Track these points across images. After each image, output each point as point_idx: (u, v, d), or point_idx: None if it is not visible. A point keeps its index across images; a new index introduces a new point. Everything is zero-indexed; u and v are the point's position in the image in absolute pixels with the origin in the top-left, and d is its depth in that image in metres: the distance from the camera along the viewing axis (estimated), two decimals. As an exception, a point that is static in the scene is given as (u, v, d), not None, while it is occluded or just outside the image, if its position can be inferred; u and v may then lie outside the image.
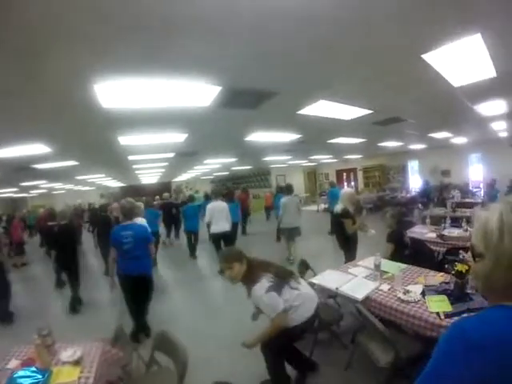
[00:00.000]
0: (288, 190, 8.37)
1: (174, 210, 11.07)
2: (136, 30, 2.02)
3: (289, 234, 8.16)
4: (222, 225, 7.51)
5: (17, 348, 2.82)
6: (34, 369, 2.38)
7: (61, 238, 5.94)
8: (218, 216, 7.49)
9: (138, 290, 4.57)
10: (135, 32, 2.05)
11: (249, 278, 2.97)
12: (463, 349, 0.92)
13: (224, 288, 6.67)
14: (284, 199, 8.06)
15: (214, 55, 2.56)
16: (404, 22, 2.30)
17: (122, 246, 4.43)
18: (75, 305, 6.03)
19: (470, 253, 1.05)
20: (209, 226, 7.82)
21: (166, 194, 12.25)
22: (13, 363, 2.55)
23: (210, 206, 7.64)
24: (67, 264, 6.10)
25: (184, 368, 2.53)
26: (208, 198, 9.69)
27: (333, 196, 9.82)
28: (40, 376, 2.29)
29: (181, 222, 11.01)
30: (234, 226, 9.23)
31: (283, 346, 3.17)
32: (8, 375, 2.34)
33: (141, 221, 5.89)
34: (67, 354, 2.60)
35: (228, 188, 11.78)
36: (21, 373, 2.32)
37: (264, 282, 2.86)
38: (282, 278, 3.01)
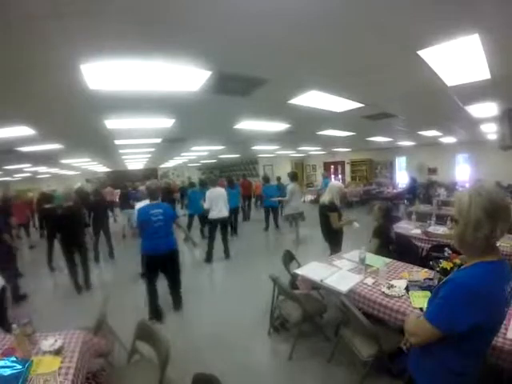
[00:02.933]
0: (293, 177, 9.15)
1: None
2: (125, 9, 1.94)
3: (293, 219, 9.04)
4: (221, 211, 7.59)
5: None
6: (14, 359, 2.32)
7: (66, 221, 5.88)
8: (218, 202, 7.56)
9: (167, 265, 4.90)
10: (124, 12, 1.97)
11: None
12: (464, 299, 1.44)
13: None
14: (291, 186, 8.89)
15: (204, 38, 2.48)
16: (402, 15, 2.25)
17: (152, 225, 4.63)
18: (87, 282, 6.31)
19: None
20: (207, 211, 7.92)
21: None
22: (-8, 353, 2.50)
23: (209, 192, 7.68)
24: (73, 246, 6.12)
25: (166, 358, 2.50)
26: (203, 185, 9.78)
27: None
28: (20, 366, 2.23)
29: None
30: (235, 210, 10.39)
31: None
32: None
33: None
34: (48, 343, 2.55)
35: (229, 176, 11.94)
36: (0, 363, 2.26)
37: None
38: None
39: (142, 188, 10.73)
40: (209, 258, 7.77)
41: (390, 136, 11.29)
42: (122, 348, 3.34)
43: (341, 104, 5.01)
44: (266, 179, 11.39)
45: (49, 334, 2.71)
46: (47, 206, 7.31)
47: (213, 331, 4.40)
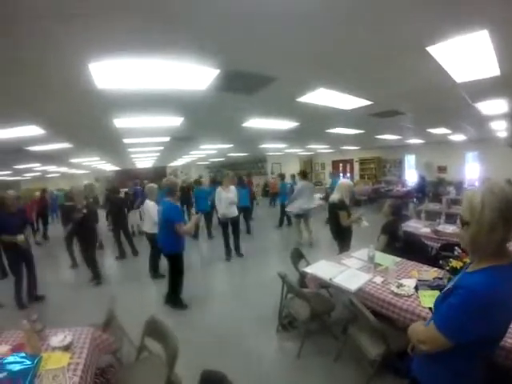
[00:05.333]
0: (303, 176, 9.00)
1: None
2: (133, 9, 1.95)
3: (299, 217, 8.91)
4: (231, 209, 7.57)
5: (6, 333, 2.78)
6: (23, 354, 2.34)
7: (85, 220, 6.05)
8: (227, 200, 7.53)
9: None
10: (132, 11, 1.98)
11: None
12: (478, 309, 1.35)
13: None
14: (300, 184, 8.83)
15: (212, 37, 2.49)
16: (411, 11, 2.23)
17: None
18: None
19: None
20: (216, 210, 8.03)
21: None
22: (2, 348, 2.51)
23: (220, 189, 7.69)
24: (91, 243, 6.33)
25: (174, 355, 2.51)
26: (215, 183, 9.82)
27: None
28: (29, 362, 2.25)
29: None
30: (246, 209, 10.41)
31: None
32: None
33: (153, 205, 5.97)
34: (57, 339, 2.57)
35: (239, 174, 12.00)
36: (10, 358, 2.28)
37: None
38: None
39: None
40: (228, 256, 7.82)
41: (398, 134, 11.21)
42: (130, 345, 3.36)
43: (349, 101, 4.99)
44: (283, 177, 11.39)
45: (58, 330, 2.73)
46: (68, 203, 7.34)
47: (220, 328, 4.42)
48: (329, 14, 2.18)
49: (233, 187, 7.75)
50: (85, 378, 2.25)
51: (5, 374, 2.13)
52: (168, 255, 4.95)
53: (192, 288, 5.53)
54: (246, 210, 10.22)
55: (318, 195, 11.96)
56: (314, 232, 9.04)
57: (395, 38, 2.70)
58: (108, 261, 8.27)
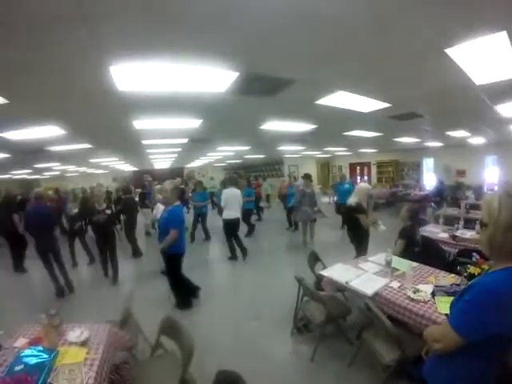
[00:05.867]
0: (306, 179, 8.97)
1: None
2: (152, 11, 1.97)
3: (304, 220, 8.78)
4: (234, 212, 7.67)
5: (25, 326, 2.84)
6: (40, 348, 2.39)
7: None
8: (232, 203, 7.64)
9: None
10: (152, 14, 2.01)
11: None
12: (491, 305, 1.41)
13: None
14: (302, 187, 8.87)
15: (232, 39, 2.51)
16: (429, 13, 2.21)
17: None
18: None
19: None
20: (221, 211, 8.09)
21: (178, 179, 12.41)
22: (20, 341, 2.58)
23: (226, 192, 7.86)
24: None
25: (190, 354, 2.53)
26: (225, 185, 9.86)
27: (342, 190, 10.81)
28: (46, 356, 2.30)
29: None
30: (249, 212, 10.53)
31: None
32: (14, 353, 2.36)
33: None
34: (74, 334, 2.63)
35: (241, 176, 12.04)
36: (27, 352, 2.34)
37: None
38: None
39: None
40: (233, 257, 7.90)
41: (417, 136, 11.07)
42: (145, 342, 3.40)
43: (368, 104, 4.96)
44: (294, 179, 11.41)
45: (75, 325, 2.78)
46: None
47: (235, 329, 4.46)
48: (349, 17, 2.19)
49: (237, 190, 7.94)
50: (100, 374, 2.28)
51: (21, 366, 2.18)
52: (169, 256, 5.03)
53: (205, 288, 5.57)
54: (246, 213, 10.16)
55: (335, 197, 11.94)
56: (329, 237, 8.99)
57: (414, 40, 2.68)
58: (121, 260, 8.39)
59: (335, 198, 12.31)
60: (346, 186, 11.05)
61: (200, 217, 9.99)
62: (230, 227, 7.77)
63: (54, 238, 5.97)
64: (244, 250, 8.01)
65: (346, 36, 2.53)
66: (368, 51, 2.90)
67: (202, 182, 10.55)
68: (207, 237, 10.22)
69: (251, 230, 10.72)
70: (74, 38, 2.26)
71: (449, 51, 2.88)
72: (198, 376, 2.76)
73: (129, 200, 8.58)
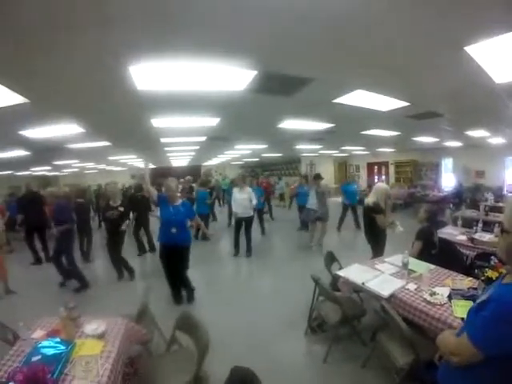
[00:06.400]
0: (317, 177, 8.92)
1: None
2: (171, 12, 2.01)
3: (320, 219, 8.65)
4: (245, 210, 7.80)
5: (43, 319, 2.90)
6: (58, 340, 2.45)
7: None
8: (242, 201, 7.78)
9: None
10: (172, 14, 2.04)
11: None
12: (508, 320, 1.30)
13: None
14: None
15: (251, 39, 2.52)
16: (448, 10, 2.17)
17: None
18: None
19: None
20: (231, 209, 8.34)
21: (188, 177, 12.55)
22: (38, 333, 2.64)
23: (235, 190, 8.05)
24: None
25: (205, 350, 2.56)
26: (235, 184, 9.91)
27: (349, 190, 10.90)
28: (63, 347, 2.35)
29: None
30: (259, 211, 10.47)
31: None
32: (32, 344, 2.42)
33: None
34: (91, 327, 2.67)
35: (256, 174, 12.01)
36: (45, 343, 2.40)
37: None
38: None
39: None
40: (236, 252, 8.17)
41: (435, 136, 10.90)
42: (160, 336, 3.45)
43: (386, 103, 4.93)
44: (306, 178, 11.39)
45: (93, 318, 2.83)
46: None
47: (248, 326, 4.48)
48: (365, 15, 2.18)
49: (248, 188, 8.03)
50: (116, 366, 2.32)
51: (39, 357, 2.24)
52: (187, 247, 5.27)
53: (216, 286, 5.61)
54: (258, 211, 10.26)
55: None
56: (345, 237, 8.94)
57: (433, 38, 2.65)
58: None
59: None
60: (354, 186, 11.23)
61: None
62: (237, 224, 8.00)
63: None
64: (249, 250, 8.15)
65: (363, 35, 2.52)
66: (388, 50, 2.89)
67: (206, 181, 10.71)
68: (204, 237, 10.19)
69: (262, 230, 10.85)
70: (95, 40, 2.31)
71: (468, 49, 2.84)
72: (210, 371, 2.79)
73: (137, 197, 8.61)
